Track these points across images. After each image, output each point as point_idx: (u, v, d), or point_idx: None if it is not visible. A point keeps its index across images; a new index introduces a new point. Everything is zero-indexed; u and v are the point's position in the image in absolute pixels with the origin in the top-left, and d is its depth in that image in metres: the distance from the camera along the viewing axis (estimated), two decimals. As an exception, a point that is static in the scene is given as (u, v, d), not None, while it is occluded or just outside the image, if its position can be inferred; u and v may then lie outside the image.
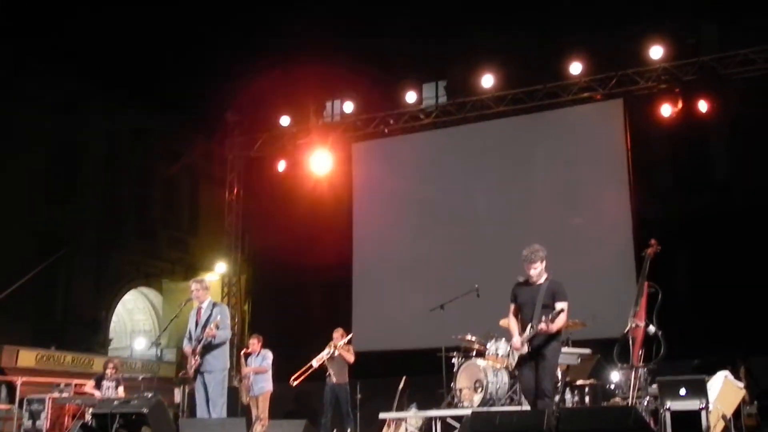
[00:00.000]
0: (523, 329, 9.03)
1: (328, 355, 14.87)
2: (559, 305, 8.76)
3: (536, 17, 21.98)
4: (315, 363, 14.94)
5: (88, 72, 27.90)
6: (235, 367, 16.36)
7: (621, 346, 9.51)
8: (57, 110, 27.04)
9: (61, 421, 15.48)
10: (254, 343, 15.31)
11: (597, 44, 19.41)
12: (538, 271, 9.08)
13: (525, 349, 8.93)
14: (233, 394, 17.87)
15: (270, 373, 15.13)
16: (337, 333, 15.10)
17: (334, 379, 14.78)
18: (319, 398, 15.29)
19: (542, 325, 8.70)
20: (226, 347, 10.86)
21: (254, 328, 25.32)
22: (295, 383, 15.06)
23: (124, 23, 28.25)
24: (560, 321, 8.78)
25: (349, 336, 15.36)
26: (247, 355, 15.32)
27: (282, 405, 16.49)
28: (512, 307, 9.32)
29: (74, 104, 27.77)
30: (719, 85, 17.88)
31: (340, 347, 14.82)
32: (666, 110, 18.14)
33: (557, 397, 10.44)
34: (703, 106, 17.90)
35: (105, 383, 15.32)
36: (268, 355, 15.16)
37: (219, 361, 10.56)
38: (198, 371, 10.46)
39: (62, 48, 26.87)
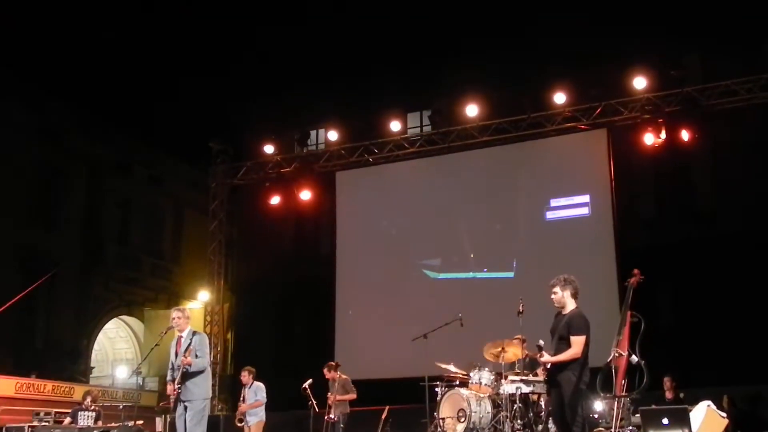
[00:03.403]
0: None
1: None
2: (573, 339, 8.68)
3: (521, 47, 22.09)
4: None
5: (70, 98, 27.90)
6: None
7: (604, 375, 9.45)
8: (39, 136, 26.97)
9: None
10: (245, 375, 15.21)
11: (581, 75, 19.50)
12: (557, 297, 8.99)
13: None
14: (216, 422, 17.78)
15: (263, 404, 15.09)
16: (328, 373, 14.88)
17: (339, 410, 14.54)
18: (304, 426, 15.14)
19: (544, 358, 8.72)
20: (208, 376, 10.70)
21: (237, 356, 25.20)
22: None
23: (107, 50, 28.31)
24: (566, 354, 8.69)
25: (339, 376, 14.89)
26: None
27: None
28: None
29: (56, 130, 27.70)
30: (702, 115, 17.98)
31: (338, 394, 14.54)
32: (649, 140, 18.22)
33: (540, 426, 10.41)
34: (686, 136, 18.00)
35: (83, 413, 15.13)
36: (261, 388, 15.07)
37: (200, 389, 10.40)
38: (179, 400, 10.33)
39: (45, 74, 26.87)
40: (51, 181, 28.04)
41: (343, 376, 14.72)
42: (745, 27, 19.08)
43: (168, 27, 28.61)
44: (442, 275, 19.86)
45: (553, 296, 9.02)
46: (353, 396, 14.59)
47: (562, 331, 8.79)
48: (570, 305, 8.96)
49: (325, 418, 14.46)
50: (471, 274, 19.36)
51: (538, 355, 8.92)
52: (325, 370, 14.91)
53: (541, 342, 8.98)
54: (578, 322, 8.76)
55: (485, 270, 19.20)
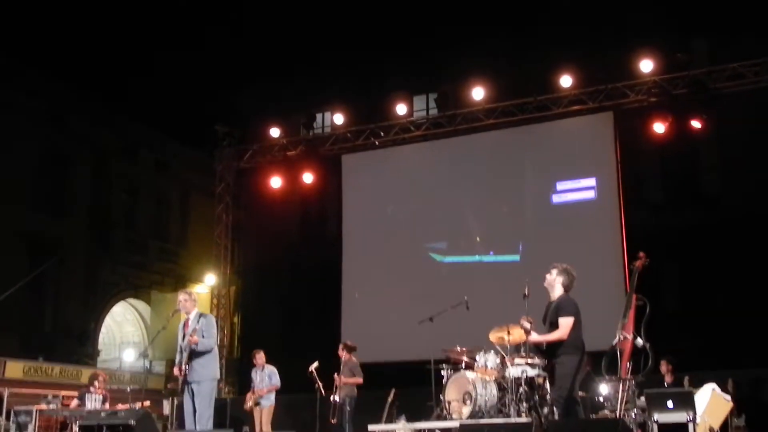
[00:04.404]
0: None
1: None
2: (560, 320, 8.86)
3: (527, 30, 22.03)
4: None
5: (76, 83, 27.92)
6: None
7: (609, 358, 9.48)
8: (45, 122, 27.00)
9: (48, 433, 15.36)
10: (261, 357, 15.32)
11: (587, 57, 19.46)
12: (549, 278, 9.34)
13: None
14: (223, 405, 17.83)
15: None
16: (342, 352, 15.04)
17: (345, 392, 14.64)
18: (311, 408, 15.22)
19: (531, 337, 8.92)
20: (215, 357, 10.74)
21: (244, 339, 25.30)
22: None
23: (114, 35, 28.30)
24: (553, 334, 8.88)
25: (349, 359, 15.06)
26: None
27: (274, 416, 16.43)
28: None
29: (62, 116, 27.72)
30: (709, 98, 17.92)
31: (343, 378, 14.65)
32: (656, 124, 18.18)
33: (545, 409, 10.44)
34: (692, 120, 17.95)
35: (91, 396, 15.20)
36: (275, 371, 15.20)
37: (207, 370, 10.44)
38: (186, 381, 10.36)
39: (51, 59, 26.89)
40: (58, 166, 28.10)
41: (353, 359, 14.81)
42: (752, 9, 19.02)
43: (175, 11, 28.60)
44: (448, 258, 19.88)
45: (546, 276, 9.24)
46: (359, 380, 14.64)
47: (552, 316, 9.01)
48: (558, 291, 9.19)
49: (331, 398, 14.55)
50: (477, 258, 19.37)
51: (526, 335, 9.12)
52: (340, 347, 15.02)
53: (527, 324, 9.16)
54: (566, 305, 9.01)
55: (491, 253, 19.20)
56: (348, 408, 14.41)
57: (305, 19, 25.96)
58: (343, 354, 14.88)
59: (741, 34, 19.03)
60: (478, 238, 19.53)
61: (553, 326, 8.96)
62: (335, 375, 14.63)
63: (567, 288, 9.21)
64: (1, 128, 25.09)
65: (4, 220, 25.16)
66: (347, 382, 14.54)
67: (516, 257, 18.86)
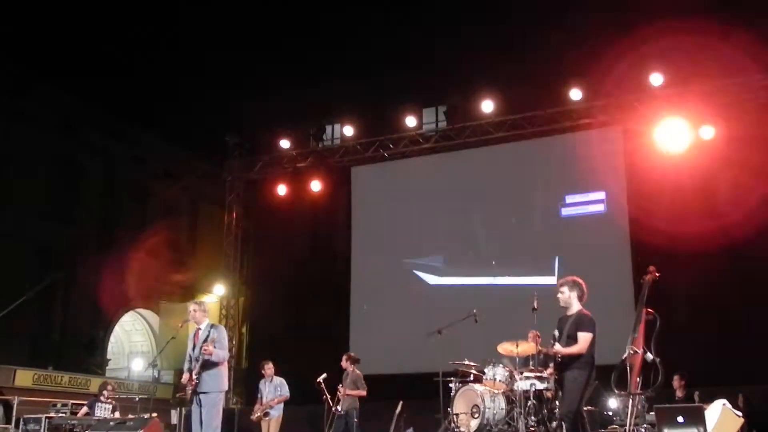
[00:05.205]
0: None
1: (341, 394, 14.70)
2: (580, 335, 8.82)
3: (536, 44, 22.06)
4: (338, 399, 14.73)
5: (87, 93, 28.01)
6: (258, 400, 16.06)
7: (619, 373, 9.45)
8: (57, 131, 27.08)
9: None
10: (271, 368, 15.31)
11: (597, 71, 19.45)
12: (563, 297, 9.20)
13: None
14: (231, 415, 17.81)
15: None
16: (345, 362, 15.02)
17: (347, 404, 14.61)
18: (318, 420, 15.20)
19: (555, 347, 8.87)
20: (225, 369, 10.71)
21: (252, 350, 25.28)
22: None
23: (124, 45, 28.41)
24: (574, 347, 8.84)
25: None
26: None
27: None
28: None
29: (73, 125, 27.80)
30: (720, 111, 17.91)
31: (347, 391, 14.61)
32: (664, 137, 18.17)
33: (554, 423, 10.42)
34: (704, 132, 17.93)
35: (101, 405, 15.21)
36: (284, 383, 15.19)
37: (216, 381, 10.42)
38: (195, 392, 10.35)
39: (62, 69, 26.99)
40: (68, 175, 28.16)
41: (357, 371, 14.76)
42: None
43: (185, 22, 28.70)
44: (456, 270, 19.84)
45: (559, 295, 9.18)
46: (363, 393, 14.56)
47: (570, 330, 8.93)
48: (575, 306, 9.11)
49: (333, 409, 14.50)
50: (485, 269, 19.32)
51: (551, 345, 9.08)
52: (344, 358, 14.95)
53: (556, 333, 9.09)
54: (586, 321, 8.95)
55: (499, 265, 19.15)
56: (355, 420, 14.37)
57: (316, 32, 26.04)
58: (346, 365, 14.83)
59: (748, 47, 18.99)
60: (486, 251, 19.52)
61: (571, 339, 8.91)
62: (339, 386, 14.61)
63: (582, 299, 9.16)
64: (12, 138, 25.17)
65: (14, 228, 25.21)
66: (350, 393, 14.50)
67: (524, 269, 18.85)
